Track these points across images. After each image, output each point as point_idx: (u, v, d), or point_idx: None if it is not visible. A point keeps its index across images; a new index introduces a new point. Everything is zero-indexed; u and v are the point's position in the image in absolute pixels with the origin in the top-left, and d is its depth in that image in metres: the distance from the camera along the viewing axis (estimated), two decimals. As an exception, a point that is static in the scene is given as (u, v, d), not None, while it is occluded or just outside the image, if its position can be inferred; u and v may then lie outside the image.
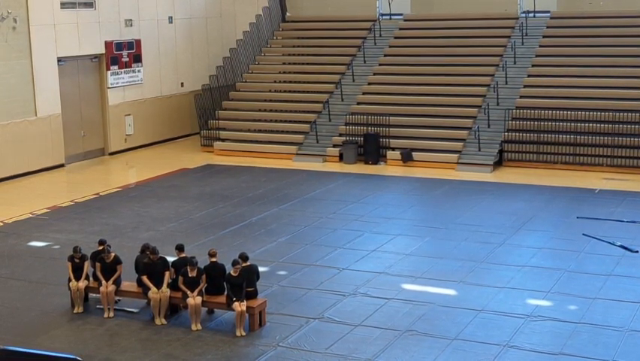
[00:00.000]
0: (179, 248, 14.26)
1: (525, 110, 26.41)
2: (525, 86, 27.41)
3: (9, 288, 15.61)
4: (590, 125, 25.40)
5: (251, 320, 13.40)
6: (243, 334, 13.16)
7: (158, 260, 13.83)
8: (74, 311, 14.20)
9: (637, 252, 17.07)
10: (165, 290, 13.66)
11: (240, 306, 13.14)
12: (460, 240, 18.08)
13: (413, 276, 15.93)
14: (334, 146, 27.29)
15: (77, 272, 14.19)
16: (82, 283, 14.16)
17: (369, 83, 29.46)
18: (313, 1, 33.46)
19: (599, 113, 25.54)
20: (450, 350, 12.64)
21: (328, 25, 32.78)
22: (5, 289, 15.54)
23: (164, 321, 13.66)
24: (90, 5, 27.58)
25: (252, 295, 13.48)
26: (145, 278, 13.78)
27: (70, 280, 14.25)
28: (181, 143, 30.93)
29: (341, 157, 26.94)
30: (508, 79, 27.73)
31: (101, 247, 14.37)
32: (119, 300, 14.37)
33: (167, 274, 13.78)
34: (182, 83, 31.63)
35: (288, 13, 33.77)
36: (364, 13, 32.48)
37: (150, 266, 13.78)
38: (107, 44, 28.18)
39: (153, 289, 13.61)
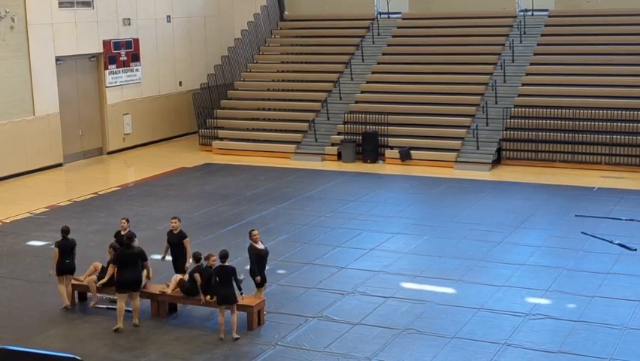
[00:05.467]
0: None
1: (523, 109, 26.42)
2: (523, 85, 27.42)
3: (8, 287, 15.61)
4: (589, 123, 25.41)
5: (250, 319, 13.40)
6: (237, 337, 13.07)
7: (132, 250, 13.56)
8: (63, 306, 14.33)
9: (635, 250, 17.08)
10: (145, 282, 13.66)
11: (221, 313, 13.04)
12: (459, 238, 18.09)
13: (412, 274, 15.94)
14: (333, 145, 27.29)
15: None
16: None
17: (368, 82, 29.46)
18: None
19: (597, 111, 25.56)
20: (449, 349, 12.65)
21: (326, 24, 32.79)
22: (4, 289, 15.54)
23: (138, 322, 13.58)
24: (88, 4, 27.56)
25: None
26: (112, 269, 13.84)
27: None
28: (179, 142, 30.92)
29: (339, 156, 26.94)
30: (506, 77, 27.74)
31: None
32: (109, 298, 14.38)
33: (145, 265, 13.70)
34: (180, 82, 31.61)
35: (286, 12, 33.77)
36: (362, 12, 32.50)
37: (122, 256, 13.56)
38: (105, 43, 28.17)
39: (120, 304, 13.47)
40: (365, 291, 15.03)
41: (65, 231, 14.36)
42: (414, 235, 18.51)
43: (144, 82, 29.86)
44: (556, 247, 17.51)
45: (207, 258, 13.52)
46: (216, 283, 13.11)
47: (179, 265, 14.37)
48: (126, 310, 13.66)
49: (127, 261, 13.48)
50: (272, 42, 33.00)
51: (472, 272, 15.97)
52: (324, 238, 18.34)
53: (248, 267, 13.95)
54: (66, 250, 14.20)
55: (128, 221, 14.68)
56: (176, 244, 14.42)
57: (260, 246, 13.90)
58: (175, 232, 14.49)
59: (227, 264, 13.14)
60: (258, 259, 13.79)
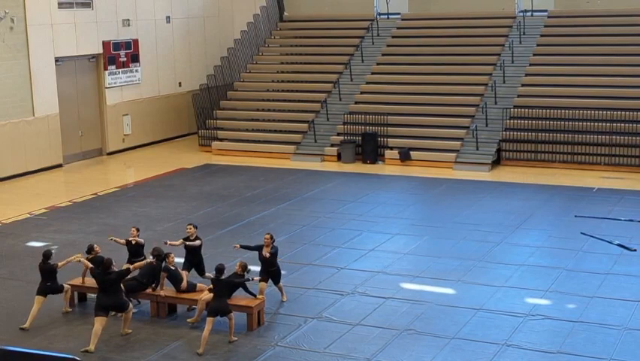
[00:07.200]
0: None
1: (523, 109, 26.42)
2: (523, 85, 27.42)
3: (7, 288, 15.61)
4: (588, 123, 25.42)
5: (249, 320, 13.40)
6: (234, 339, 13.07)
7: (110, 276, 13.11)
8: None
9: (635, 250, 17.08)
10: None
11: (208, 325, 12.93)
12: (459, 239, 18.09)
13: (411, 275, 15.94)
14: (332, 145, 27.29)
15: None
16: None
17: (367, 83, 29.46)
18: (311, 0, 33.46)
19: (596, 111, 25.56)
20: (448, 349, 12.65)
21: (326, 25, 32.78)
22: (3, 290, 15.54)
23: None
24: (87, 5, 27.57)
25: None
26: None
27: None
28: (179, 143, 30.92)
29: (339, 156, 26.94)
30: (506, 78, 27.74)
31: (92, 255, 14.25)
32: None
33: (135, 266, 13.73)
34: (179, 83, 31.62)
35: (285, 13, 33.76)
36: (362, 13, 32.48)
37: (100, 279, 13.14)
38: (105, 44, 28.18)
39: (97, 327, 12.94)
40: (365, 292, 15.04)
41: (46, 256, 13.96)
42: (413, 235, 18.52)
43: (144, 83, 29.86)
44: (556, 247, 17.52)
45: (166, 256, 13.91)
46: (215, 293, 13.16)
47: (200, 269, 14.66)
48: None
49: (106, 285, 13.05)
50: (271, 42, 33.00)
51: (471, 273, 15.97)
52: (323, 238, 18.34)
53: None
54: (45, 273, 13.89)
55: (138, 230, 14.88)
56: (192, 248, 14.59)
57: (265, 253, 14.14)
58: (192, 238, 14.64)
59: (223, 277, 13.06)
60: (261, 262, 14.21)
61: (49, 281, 13.87)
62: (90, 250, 14.08)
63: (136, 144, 29.59)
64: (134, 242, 14.64)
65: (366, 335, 13.17)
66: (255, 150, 27.98)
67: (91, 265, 13.35)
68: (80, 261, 13.89)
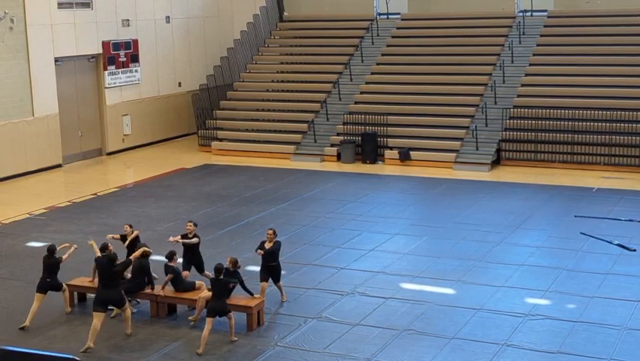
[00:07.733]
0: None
1: (523, 109, 26.43)
2: (523, 85, 27.42)
3: (7, 288, 15.62)
4: (588, 124, 25.42)
5: (249, 320, 13.40)
6: (235, 339, 13.08)
7: (114, 268, 13.18)
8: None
9: (634, 250, 17.08)
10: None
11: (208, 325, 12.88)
12: (458, 239, 18.09)
13: (411, 275, 15.94)
14: (332, 145, 27.29)
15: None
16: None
17: (367, 83, 29.46)
18: (311, 0, 33.46)
19: (596, 112, 25.56)
20: (448, 349, 12.65)
21: (326, 25, 32.78)
22: (3, 290, 15.54)
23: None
24: (87, 5, 27.56)
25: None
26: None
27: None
28: (179, 143, 30.92)
29: (339, 156, 26.94)
30: (505, 78, 27.74)
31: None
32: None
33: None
34: (179, 83, 31.61)
35: (285, 13, 33.76)
36: (362, 13, 32.47)
37: (103, 272, 13.14)
38: (105, 44, 28.17)
39: (95, 323, 12.84)
40: (364, 292, 15.03)
41: (51, 250, 14.01)
42: (413, 235, 18.52)
43: (143, 83, 29.85)
44: (556, 247, 17.52)
45: (171, 256, 13.95)
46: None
47: (200, 268, 14.76)
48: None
49: (109, 277, 13.04)
50: (271, 43, 33.00)
51: (471, 273, 15.97)
52: (323, 238, 18.34)
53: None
54: (49, 268, 13.89)
55: (131, 226, 14.90)
56: (189, 246, 14.69)
57: (266, 246, 14.33)
58: (190, 235, 14.68)
59: (221, 277, 13.04)
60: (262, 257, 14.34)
61: (49, 277, 13.87)
62: (104, 249, 14.04)
63: (136, 144, 29.58)
64: (128, 238, 14.68)
65: (366, 335, 13.17)
66: (254, 150, 27.98)
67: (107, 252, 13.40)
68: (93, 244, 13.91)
